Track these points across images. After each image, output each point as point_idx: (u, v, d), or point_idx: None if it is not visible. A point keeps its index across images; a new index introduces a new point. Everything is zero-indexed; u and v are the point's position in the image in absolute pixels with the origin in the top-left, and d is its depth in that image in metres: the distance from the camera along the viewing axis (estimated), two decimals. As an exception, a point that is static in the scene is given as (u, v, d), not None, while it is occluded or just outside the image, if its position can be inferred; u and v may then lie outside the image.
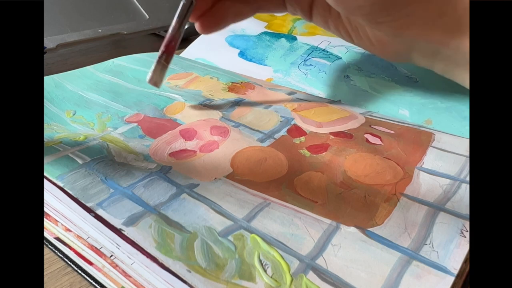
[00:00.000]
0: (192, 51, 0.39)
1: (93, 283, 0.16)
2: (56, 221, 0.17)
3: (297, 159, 0.21)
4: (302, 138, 0.23)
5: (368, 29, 0.23)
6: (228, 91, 0.29)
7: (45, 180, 0.19)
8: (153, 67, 0.24)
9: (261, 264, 0.15)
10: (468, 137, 0.23)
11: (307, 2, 0.25)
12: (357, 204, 0.18)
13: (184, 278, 0.14)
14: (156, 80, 0.24)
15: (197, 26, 0.26)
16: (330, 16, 0.25)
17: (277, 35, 0.37)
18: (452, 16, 0.19)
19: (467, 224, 0.17)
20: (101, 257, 0.16)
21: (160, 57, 0.24)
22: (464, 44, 0.19)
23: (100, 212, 0.17)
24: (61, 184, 0.18)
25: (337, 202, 0.18)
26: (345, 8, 0.21)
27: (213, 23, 0.26)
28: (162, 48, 0.24)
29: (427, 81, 0.29)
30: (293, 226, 0.17)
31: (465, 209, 0.17)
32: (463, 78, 0.21)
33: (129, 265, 0.15)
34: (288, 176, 0.20)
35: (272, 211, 0.17)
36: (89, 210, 0.17)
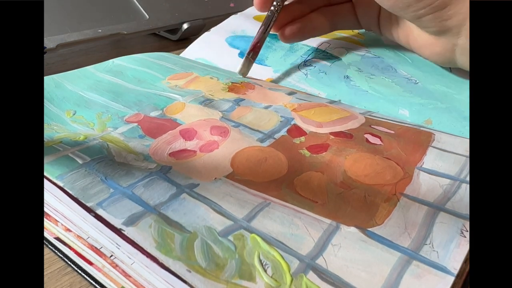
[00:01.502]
0: (192, 51, 0.39)
1: (93, 283, 0.16)
2: (56, 221, 0.17)
3: (297, 159, 0.21)
4: (302, 138, 0.23)
5: (417, 31, 0.27)
6: (228, 91, 0.29)
7: (45, 180, 0.19)
8: (242, 61, 0.32)
9: (261, 264, 0.15)
10: (468, 137, 0.23)
11: (375, 16, 0.31)
12: (357, 204, 0.18)
13: (184, 278, 0.14)
14: (244, 71, 0.32)
15: (279, 35, 0.32)
16: (392, 26, 0.30)
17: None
18: None
19: (467, 224, 0.17)
20: (101, 257, 0.16)
21: (248, 54, 0.32)
22: None
23: (100, 212, 0.17)
24: (61, 184, 0.18)
25: (337, 202, 0.18)
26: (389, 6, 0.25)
27: (292, 35, 0.32)
28: (250, 47, 0.32)
29: (427, 83, 0.29)
30: (293, 226, 0.17)
31: (465, 209, 0.17)
32: None
33: (129, 265, 0.15)
34: (288, 176, 0.20)
35: (272, 211, 0.17)
36: (89, 210, 0.17)
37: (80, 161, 0.20)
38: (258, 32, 0.31)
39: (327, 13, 0.32)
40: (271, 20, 0.31)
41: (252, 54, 0.32)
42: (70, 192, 0.18)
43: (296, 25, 0.31)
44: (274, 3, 0.30)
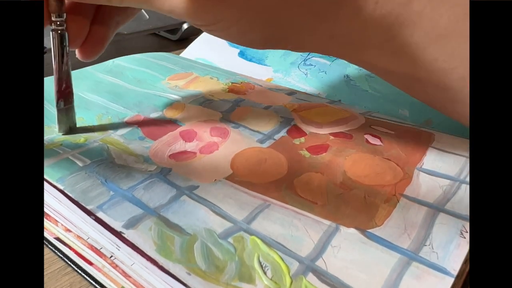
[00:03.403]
0: (192, 51, 0.39)
1: (93, 283, 0.16)
2: (56, 222, 0.17)
3: (297, 160, 0.21)
4: (302, 139, 0.23)
5: None
6: (228, 91, 0.29)
7: (45, 183, 0.19)
8: (56, 117, 0.23)
9: (261, 266, 0.15)
10: (468, 137, 0.23)
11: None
12: (357, 205, 0.18)
13: (184, 281, 0.14)
14: (63, 128, 0.23)
15: (78, 55, 0.24)
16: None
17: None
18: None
19: (466, 225, 0.17)
20: (101, 257, 0.16)
21: (58, 105, 0.23)
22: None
23: (100, 214, 0.17)
24: (61, 187, 0.18)
25: (337, 203, 0.18)
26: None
27: (94, 50, 0.24)
28: (56, 95, 0.23)
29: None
30: (293, 228, 0.17)
31: (465, 210, 0.17)
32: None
33: (129, 266, 0.15)
34: (288, 177, 0.20)
35: (272, 212, 0.17)
36: (89, 213, 0.17)
37: (80, 164, 0.20)
38: (54, 69, 0.22)
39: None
40: (61, 45, 0.22)
41: (65, 102, 0.23)
42: (70, 195, 0.18)
43: (94, 38, 0.24)
44: (53, 18, 0.21)
